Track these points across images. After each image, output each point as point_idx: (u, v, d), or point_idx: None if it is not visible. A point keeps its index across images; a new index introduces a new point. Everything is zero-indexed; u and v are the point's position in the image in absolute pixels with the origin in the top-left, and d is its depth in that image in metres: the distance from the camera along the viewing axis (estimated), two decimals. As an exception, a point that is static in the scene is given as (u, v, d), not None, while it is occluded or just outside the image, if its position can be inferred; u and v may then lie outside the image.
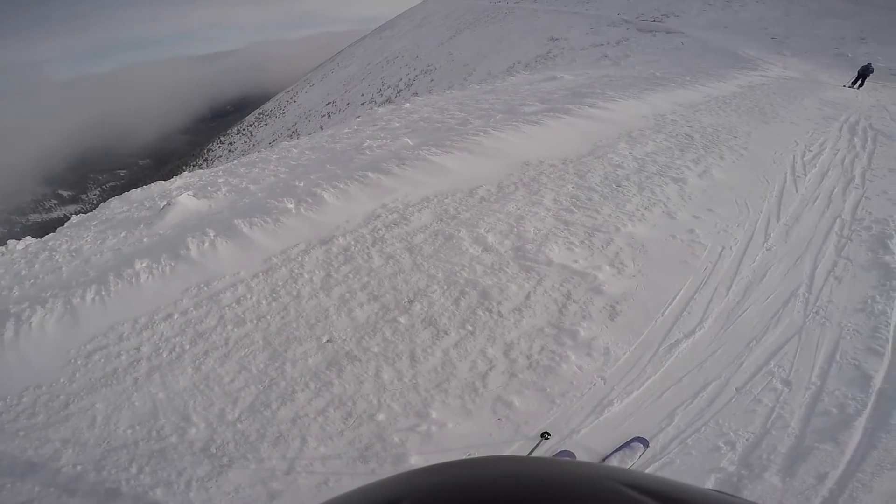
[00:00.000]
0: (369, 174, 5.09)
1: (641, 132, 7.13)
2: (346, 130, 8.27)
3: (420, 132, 7.11)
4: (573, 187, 5.09)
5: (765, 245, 4.08)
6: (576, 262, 3.76)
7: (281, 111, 59.30)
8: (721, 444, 2.31)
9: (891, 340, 2.93)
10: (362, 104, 40.90)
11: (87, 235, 4.41)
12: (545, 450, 2.29)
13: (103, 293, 3.36)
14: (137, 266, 3.60)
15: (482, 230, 4.17)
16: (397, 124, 8.04)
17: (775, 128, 7.93)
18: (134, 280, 3.49)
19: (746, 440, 2.32)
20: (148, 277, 3.53)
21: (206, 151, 64.72)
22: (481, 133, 6.35)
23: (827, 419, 2.41)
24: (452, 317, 3.16)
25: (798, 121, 8.52)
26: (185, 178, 6.29)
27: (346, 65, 59.18)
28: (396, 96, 36.87)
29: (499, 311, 3.21)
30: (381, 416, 2.48)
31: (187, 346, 2.95)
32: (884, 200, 4.98)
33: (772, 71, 16.11)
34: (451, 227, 4.24)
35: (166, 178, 6.58)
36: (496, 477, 0.60)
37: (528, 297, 3.36)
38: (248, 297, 3.38)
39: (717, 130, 7.41)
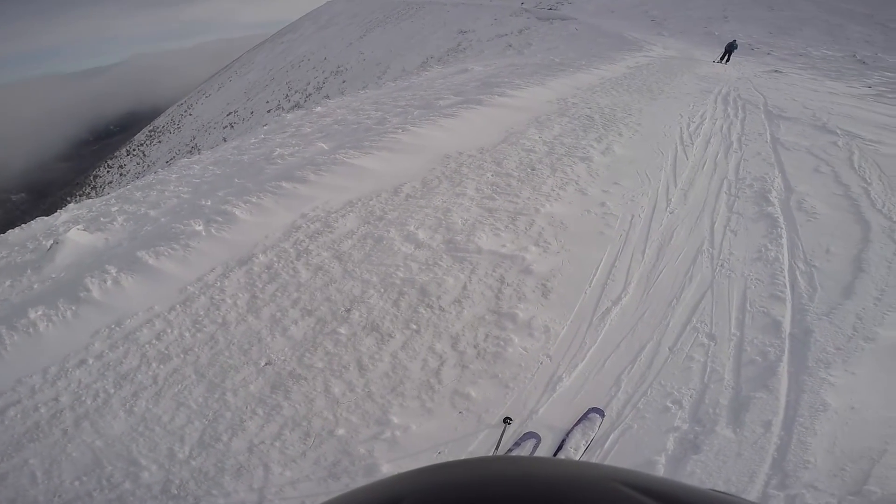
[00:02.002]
0: (283, 184, 4.86)
1: (548, 117, 7.51)
2: (253, 140, 7.81)
3: (335, 135, 6.91)
4: (492, 175, 5.25)
5: (667, 209, 4.49)
6: (504, 246, 3.88)
7: (175, 126, 54.55)
8: (669, 404, 2.46)
9: (788, 285, 3.33)
10: (268, 112, 38.94)
11: (-41, 290, 3.78)
12: (510, 435, 2.34)
13: (-3, 348, 2.93)
14: (32, 315, 3.16)
15: (412, 227, 4.17)
16: (309, 129, 7.74)
17: (662, 103, 8.72)
18: (31, 330, 3.07)
19: (690, 397, 2.49)
20: (48, 325, 3.11)
21: (92, 178, 57.78)
22: (400, 130, 6.32)
23: (754, 368, 2.64)
24: (395, 319, 3.13)
25: (679, 96, 9.43)
26: (71, 210, 5.57)
27: (245, 72, 55.77)
28: (306, 101, 35.53)
29: (440, 306, 3.23)
30: (340, 431, 2.40)
31: (112, 390, 2.66)
32: (759, 160, 5.69)
33: (654, 51, 17.68)
34: (380, 228, 4.19)
35: (48, 212, 5.81)
36: (496, 477, 0.60)
37: (464, 287, 3.42)
38: (169, 331, 3.10)
39: (613, 110, 7.99)
